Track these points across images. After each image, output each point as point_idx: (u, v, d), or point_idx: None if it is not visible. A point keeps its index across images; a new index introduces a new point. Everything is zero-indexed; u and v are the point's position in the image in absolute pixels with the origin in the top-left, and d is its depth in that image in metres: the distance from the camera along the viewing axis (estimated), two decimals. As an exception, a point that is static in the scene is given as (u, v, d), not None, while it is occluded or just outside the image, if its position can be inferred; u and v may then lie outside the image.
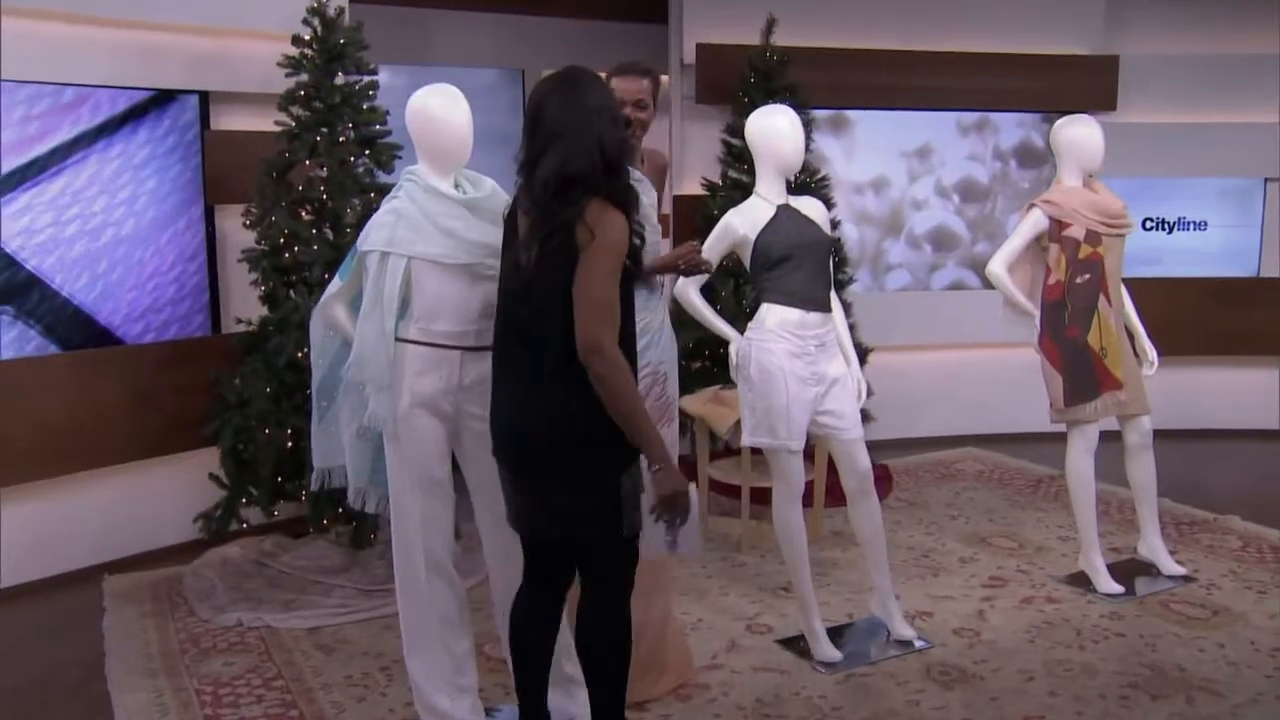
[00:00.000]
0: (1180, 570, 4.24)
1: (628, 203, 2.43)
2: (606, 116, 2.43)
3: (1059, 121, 4.14)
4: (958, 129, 6.38)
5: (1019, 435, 6.14)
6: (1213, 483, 5.61)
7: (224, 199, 4.58)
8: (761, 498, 4.85)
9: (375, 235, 2.91)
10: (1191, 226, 6.49)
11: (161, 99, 4.45)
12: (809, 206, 3.57)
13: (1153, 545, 4.30)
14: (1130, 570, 4.28)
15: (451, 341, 2.89)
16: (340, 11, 4.17)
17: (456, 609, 3.03)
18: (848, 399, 3.54)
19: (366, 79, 4.23)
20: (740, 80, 5.52)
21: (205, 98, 4.57)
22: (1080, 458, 4.11)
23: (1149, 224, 6.49)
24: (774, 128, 3.49)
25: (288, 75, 4.12)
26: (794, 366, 3.42)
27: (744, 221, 3.49)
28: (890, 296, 6.41)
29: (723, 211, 3.68)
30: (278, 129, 4.13)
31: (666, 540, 2.52)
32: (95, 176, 4.29)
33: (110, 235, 4.35)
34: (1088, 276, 4.00)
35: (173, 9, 4.33)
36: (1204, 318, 6.36)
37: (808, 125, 5.50)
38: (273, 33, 4.32)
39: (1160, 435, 6.35)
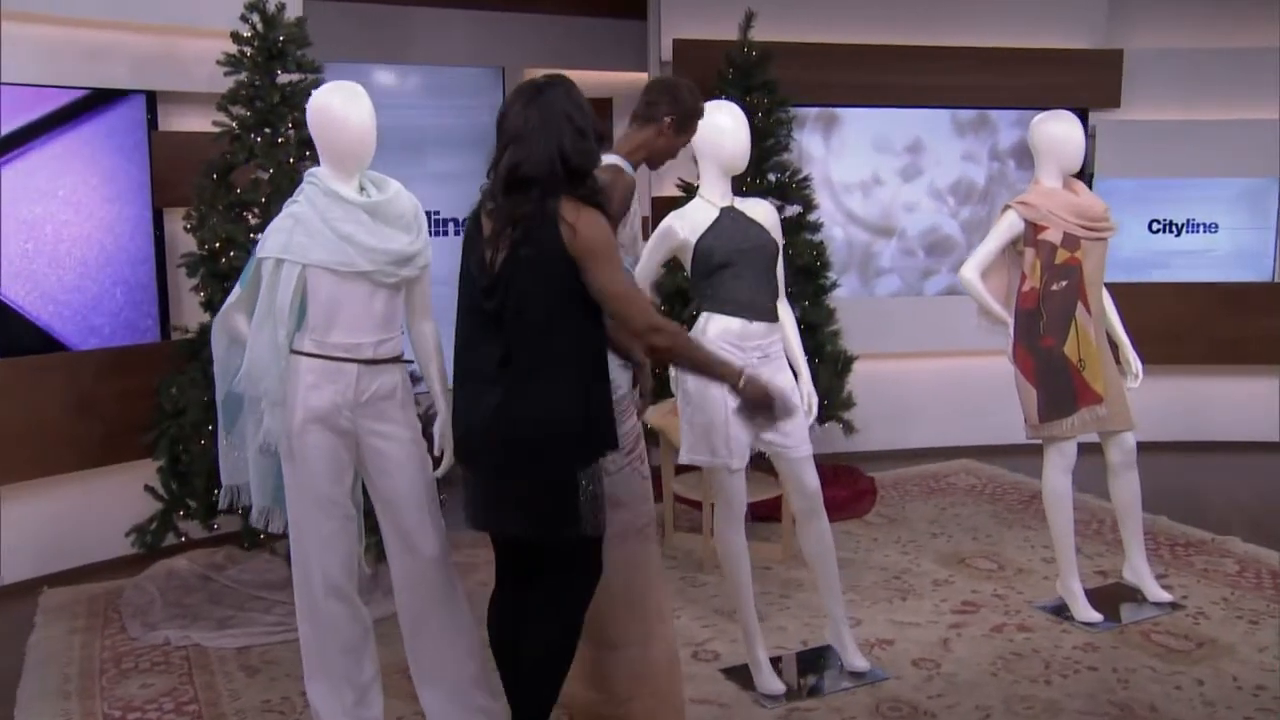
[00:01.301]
0: (1167, 597, 3.98)
1: (599, 203, 2.43)
2: (570, 125, 2.40)
3: (1036, 118, 3.90)
4: (952, 127, 6.13)
5: (1020, 447, 5.79)
6: (1216, 499, 5.31)
7: (172, 202, 4.45)
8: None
9: (271, 241, 2.76)
10: (1201, 229, 6.17)
11: (105, 98, 4.33)
12: (756, 209, 3.37)
13: (1138, 569, 4.04)
14: (1114, 596, 4.02)
15: (347, 354, 2.74)
16: (281, 7, 4.01)
17: (359, 636, 2.87)
18: (794, 415, 3.32)
19: (311, 77, 4.07)
20: (718, 77, 5.31)
21: (153, 98, 4.45)
22: (1057, 476, 3.86)
23: (1155, 226, 6.18)
24: (715, 125, 3.28)
25: (226, 74, 3.98)
26: (734, 380, 3.21)
27: (684, 225, 3.29)
28: (880, 302, 6.16)
29: None
30: (217, 130, 3.99)
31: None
32: (34, 176, 4.17)
33: (52, 236, 4.24)
34: (1064, 283, 3.76)
35: (118, 7, 4.21)
36: (1213, 324, 6.05)
37: (787, 123, 5.35)
38: (222, 31, 4.17)
39: (1165, 448, 6.11)
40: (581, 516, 2.45)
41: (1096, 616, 3.81)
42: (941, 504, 5.30)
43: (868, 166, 6.10)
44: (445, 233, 6.07)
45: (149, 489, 4.05)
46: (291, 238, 2.72)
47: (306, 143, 4.02)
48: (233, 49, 4.01)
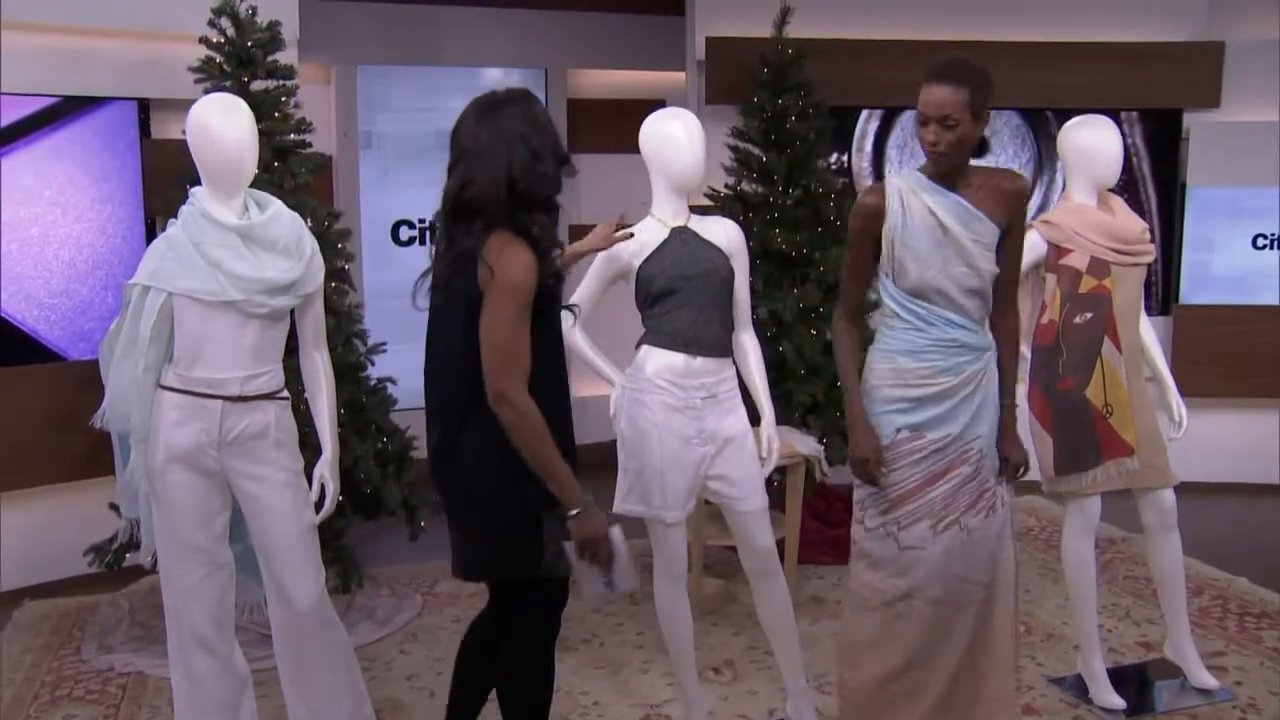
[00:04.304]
0: (1213, 683, 3.40)
1: (537, 239, 2.25)
2: (524, 147, 2.23)
3: (1067, 124, 3.40)
4: (1024, 130, 5.55)
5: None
6: (1313, 560, 4.62)
7: (165, 210, 4.36)
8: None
9: (143, 266, 2.60)
10: (1317, 246, 5.43)
11: (94, 104, 4.28)
12: (714, 229, 3.01)
13: (1181, 648, 3.47)
14: (1150, 676, 3.49)
15: (210, 390, 2.53)
16: (253, 10, 3.85)
17: (232, 690, 2.67)
18: (746, 463, 2.95)
19: (288, 84, 3.91)
20: (751, 78, 4.91)
21: (146, 105, 4.38)
22: (1077, 539, 3.35)
23: (1261, 242, 5.46)
24: (666, 135, 2.94)
25: (196, 81, 3.85)
26: (673, 422, 2.87)
27: (629, 246, 2.95)
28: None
29: None
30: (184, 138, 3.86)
31: (603, 581, 2.35)
32: (20, 176, 4.15)
33: (38, 239, 4.22)
34: (1089, 315, 3.25)
35: (105, 13, 4.15)
36: (1327, 355, 5.31)
37: (822, 127, 4.89)
38: (208, 36, 4.07)
39: (1268, 492, 5.39)
40: (544, 557, 2.31)
41: (1119, 703, 3.29)
42: (986, 549, 4.77)
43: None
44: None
45: (113, 506, 3.96)
46: (161, 263, 2.55)
47: (277, 153, 3.87)
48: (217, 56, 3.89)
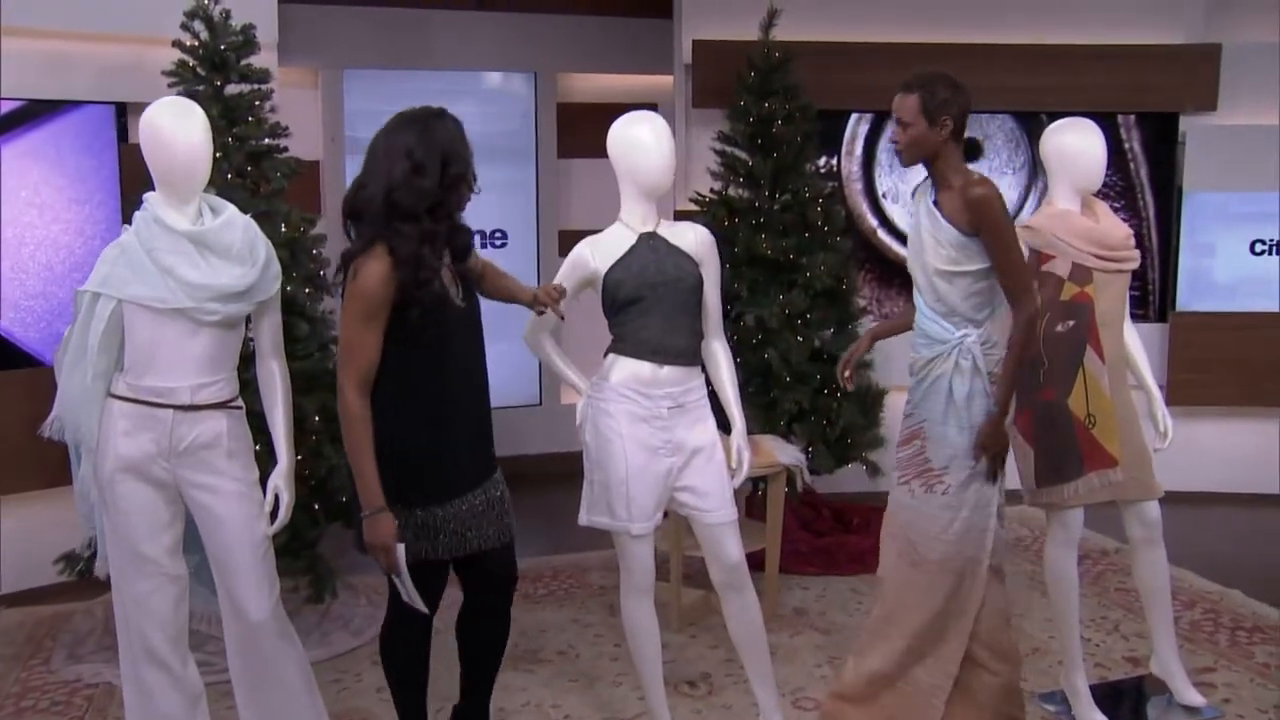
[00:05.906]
0: (1199, 700, 3.32)
1: (394, 248, 2.38)
2: (407, 161, 2.38)
3: (1050, 128, 3.32)
4: (1020, 135, 5.48)
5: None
6: (1310, 573, 4.53)
7: (143, 216, 4.33)
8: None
9: (95, 272, 2.56)
10: (1316, 251, 5.34)
11: (71, 106, 4.26)
12: (684, 235, 2.95)
13: (1166, 664, 3.39)
14: (1136, 693, 3.43)
15: (161, 399, 2.49)
16: (226, 14, 3.81)
17: (182, 706, 2.62)
18: (714, 474, 2.89)
19: (263, 88, 3.86)
20: (737, 81, 4.86)
21: (124, 110, 4.34)
22: (1058, 552, 3.28)
23: (1259, 247, 5.37)
24: (633, 139, 2.89)
25: (170, 85, 3.80)
26: (638, 432, 2.81)
27: (597, 252, 2.90)
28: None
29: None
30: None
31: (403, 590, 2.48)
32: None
33: (14, 240, 4.18)
34: (1072, 324, 3.17)
35: (86, 18, 4.12)
36: (1329, 361, 5.21)
37: (808, 130, 4.83)
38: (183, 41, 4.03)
39: (1266, 501, 5.30)
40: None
41: (1101, 720, 3.22)
42: (976, 560, 4.69)
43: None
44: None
45: (84, 514, 3.92)
46: (113, 269, 2.51)
47: (251, 157, 3.83)
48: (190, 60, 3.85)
